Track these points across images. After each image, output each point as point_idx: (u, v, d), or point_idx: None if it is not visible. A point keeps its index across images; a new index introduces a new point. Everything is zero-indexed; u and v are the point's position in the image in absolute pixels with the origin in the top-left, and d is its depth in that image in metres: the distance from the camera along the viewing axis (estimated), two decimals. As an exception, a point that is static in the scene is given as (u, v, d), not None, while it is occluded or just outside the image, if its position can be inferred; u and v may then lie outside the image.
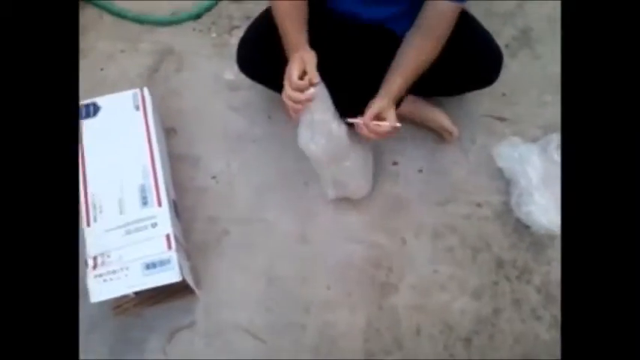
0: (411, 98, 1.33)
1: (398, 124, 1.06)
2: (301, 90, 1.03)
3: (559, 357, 1.09)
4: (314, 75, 1.02)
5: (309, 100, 1.04)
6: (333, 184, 1.24)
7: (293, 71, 1.02)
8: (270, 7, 1.17)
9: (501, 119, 1.41)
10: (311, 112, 1.07)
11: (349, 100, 1.11)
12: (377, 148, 1.37)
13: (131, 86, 1.36)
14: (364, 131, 1.07)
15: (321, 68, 1.05)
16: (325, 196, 1.28)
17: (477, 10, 1.24)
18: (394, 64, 1.11)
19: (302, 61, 1.04)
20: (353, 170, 1.21)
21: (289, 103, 1.06)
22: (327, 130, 1.08)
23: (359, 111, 1.09)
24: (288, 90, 1.04)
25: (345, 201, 1.30)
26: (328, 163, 1.17)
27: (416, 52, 1.09)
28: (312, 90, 1.03)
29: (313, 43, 1.12)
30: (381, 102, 1.06)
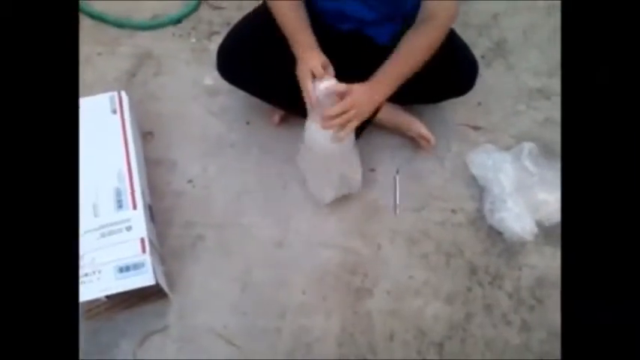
0: (388, 106, 1.34)
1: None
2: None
3: (528, 360, 1.13)
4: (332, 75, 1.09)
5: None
6: (340, 180, 1.24)
7: (316, 64, 1.07)
8: (252, 13, 1.19)
9: (476, 128, 1.44)
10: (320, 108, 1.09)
11: None
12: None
13: (108, 89, 1.36)
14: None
15: None
16: (321, 201, 1.29)
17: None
18: (394, 52, 1.12)
19: (324, 64, 1.09)
20: (357, 159, 1.23)
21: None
22: None
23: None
24: (304, 79, 1.08)
25: (321, 206, 1.31)
26: (338, 156, 1.17)
27: (418, 40, 1.11)
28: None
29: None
30: (357, 88, 1.07)
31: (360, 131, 1.39)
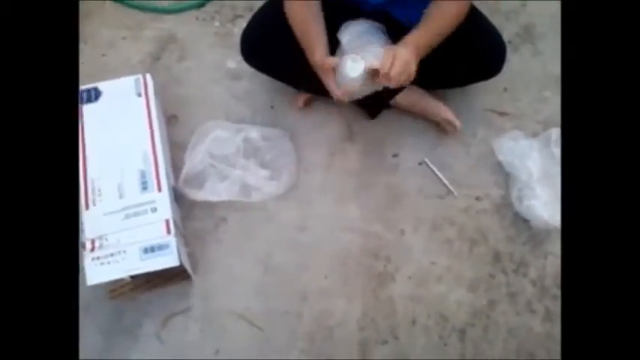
0: (413, 90, 1.33)
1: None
2: None
3: (552, 349, 1.11)
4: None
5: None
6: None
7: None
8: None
9: (502, 114, 1.41)
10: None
11: None
12: (377, 140, 1.38)
13: (132, 73, 1.36)
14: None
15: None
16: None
17: (480, 7, 1.24)
18: (419, 24, 1.11)
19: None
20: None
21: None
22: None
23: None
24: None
25: (344, 191, 1.31)
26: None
27: (441, 12, 1.10)
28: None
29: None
30: (404, 49, 1.05)
31: (377, 111, 1.38)
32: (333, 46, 1.15)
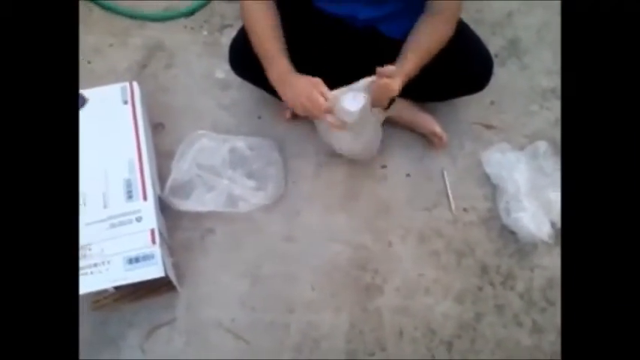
0: (401, 103, 1.33)
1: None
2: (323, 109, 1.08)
3: (540, 362, 1.11)
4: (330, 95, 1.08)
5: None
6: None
7: (316, 96, 1.07)
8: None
9: (489, 127, 1.43)
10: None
11: None
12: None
13: (119, 80, 1.35)
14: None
15: (315, 71, 1.10)
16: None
17: (466, 19, 1.26)
18: (406, 45, 1.13)
19: (315, 86, 1.08)
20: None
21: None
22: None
23: None
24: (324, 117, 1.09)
25: (332, 201, 1.30)
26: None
27: (429, 32, 1.12)
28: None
29: (303, 47, 1.14)
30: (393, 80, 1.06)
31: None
32: (320, 67, 1.14)
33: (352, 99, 1.07)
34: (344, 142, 1.24)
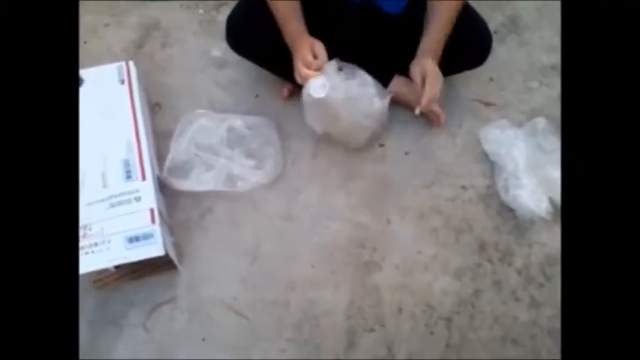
0: (400, 80, 1.33)
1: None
2: (311, 67, 1.11)
3: (537, 336, 1.12)
4: (324, 58, 1.11)
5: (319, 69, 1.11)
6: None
7: (306, 53, 1.11)
8: None
9: (488, 104, 1.42)
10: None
11: None
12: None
13: (115, 60, 1.35)
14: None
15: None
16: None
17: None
18: (427, 23, 1.16)
19: (311, 47, 1.11)
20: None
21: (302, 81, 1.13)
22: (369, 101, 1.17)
23: None
24: (301, 70, 1.11)
25: (331, 180, 1.30)
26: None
27: (446, 10, 1.14)
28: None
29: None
30: (427, 63, 1.11)
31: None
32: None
33: (320, 86, 1.11)
34: (323, 123, 1.25)
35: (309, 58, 1.11)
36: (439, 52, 1.15)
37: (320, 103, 1.13)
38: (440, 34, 1.15)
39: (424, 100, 1.10)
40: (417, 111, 1.13)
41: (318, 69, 1.11)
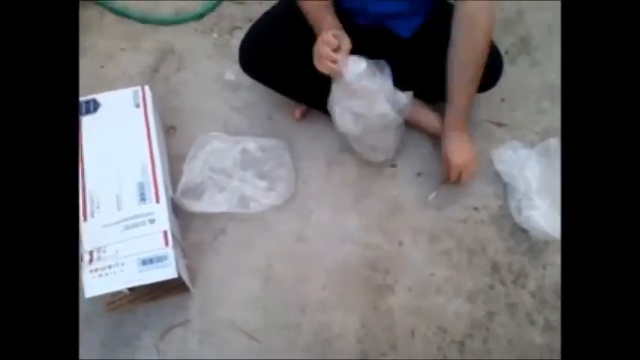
0: (412, 102, 1.33)
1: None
2: (332, 47, 1.07)
3: (553, 361, 1.11)
4: (347, 46, 1.08)
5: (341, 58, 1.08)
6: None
7: (327, 35, 1.08)
8: (273, 8, 1.21)
9: (500, 125, 1.42)
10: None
11: None
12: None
13: (131, 85, 1.37)
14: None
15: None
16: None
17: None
18: (451, 84, 1.17)
19: (334, 33, 1.09)
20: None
21: (325, 62, 1.09)
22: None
23: None
24: (322, 48, 1.08)
25: (343, 201, 1.31)
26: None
27: (465, 54, 1.13)
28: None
29: (313, 40, 1.14)
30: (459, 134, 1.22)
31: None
32: None
33: (361, 69, 1.09)
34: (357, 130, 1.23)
35: (329, 36, 1.08)
36: (468, 116, 1.21)
37: (355, 88, 1.11)
38: (464, 97, 1.19)
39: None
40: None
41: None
